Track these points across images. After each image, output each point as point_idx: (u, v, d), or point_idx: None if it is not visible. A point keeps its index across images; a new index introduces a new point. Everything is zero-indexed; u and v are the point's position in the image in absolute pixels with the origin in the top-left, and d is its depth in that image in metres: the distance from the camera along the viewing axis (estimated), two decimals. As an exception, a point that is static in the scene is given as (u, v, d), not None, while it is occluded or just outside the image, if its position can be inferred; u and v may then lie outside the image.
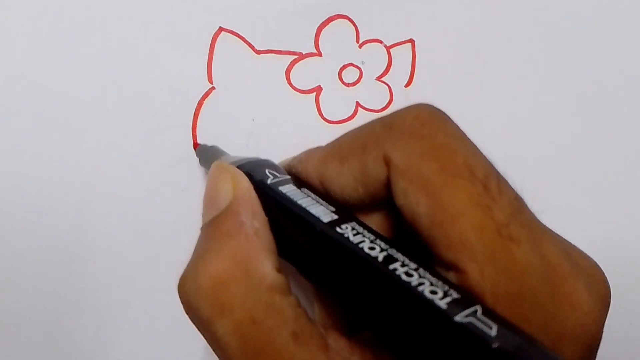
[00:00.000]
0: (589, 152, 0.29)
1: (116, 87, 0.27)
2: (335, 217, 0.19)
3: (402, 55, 0.28)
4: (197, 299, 0.18)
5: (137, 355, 0.27)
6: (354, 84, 0.28)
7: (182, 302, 0.19)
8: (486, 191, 0.17)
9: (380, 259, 0.17)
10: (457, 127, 0.19)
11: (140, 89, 0.27)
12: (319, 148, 0.22)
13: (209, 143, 0.27)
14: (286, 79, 0.28)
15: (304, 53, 0.28)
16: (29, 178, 0.26)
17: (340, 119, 0.28)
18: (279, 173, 0.21)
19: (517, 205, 0.17)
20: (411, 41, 0.28)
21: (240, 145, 0.27)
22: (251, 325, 0.17)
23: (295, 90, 0.28)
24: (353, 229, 0.18)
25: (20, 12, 0.26)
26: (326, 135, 0.28)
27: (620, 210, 0.29)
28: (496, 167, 0.18)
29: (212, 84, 0.27)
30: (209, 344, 0.19)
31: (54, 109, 0.26)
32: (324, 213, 0.19)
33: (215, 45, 0.27)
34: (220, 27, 0.27)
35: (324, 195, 0.20)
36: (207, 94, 0.27)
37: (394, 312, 0.16)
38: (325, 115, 0.28)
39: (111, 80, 0.27)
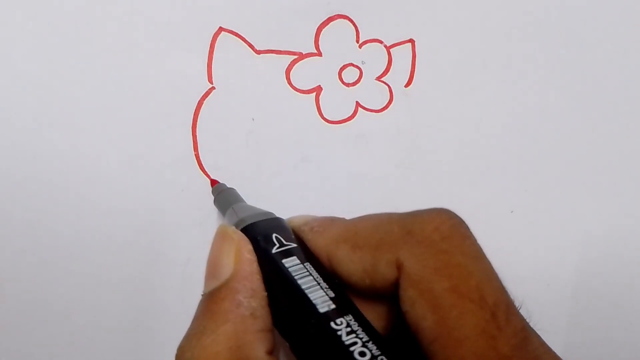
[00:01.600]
0: (589, 152, 0.29)
1: (116, 87, 0.27)
2: (333, 307, 0.18)
3: (402, 55, 0.28)
4: None
5: (137, 354, 0.27)
6: (354, 84, 0.28)
7: None
8: (494, 319, 0.17)
9: None
10: (476, 243, 0.19)
11: (140, 88, 0.27)
12: (334, 222, 0.21)
13: (211, 143, 0.27)
14: (286, 79, 0.28)
15: (304, 53, 0.28)
16: (29, 178, 0.26)
17: (340, 118, 0.28)
18: (286, 238, 0.21)
19: (523, 336, 0.17)
20: (411, 41, 0.28)
21: (240, 145, 0.27)
22: None
23: (295, 90, 0.28)
24: (348, 325, 0.18)
25: (21, 12, 0.26)
26: (326, 135, 0.28)
27: (620, 210, 0.29)
28: (508, 294, 0.18)
29: (212, 84, 0.27)
30: None
31: (54, 109, 0.26)
32: (322, 301, 0.19)
33: (215, 45, 0.27)
34: (220, 27, 0.27)
35: (329, 273, 0.20)
36: (207, 94, 0.27)
37: None
38: (325, 115, 0.28)
39: (111, 80, 0.27)
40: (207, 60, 0.27)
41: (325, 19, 0.28)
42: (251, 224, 0.21)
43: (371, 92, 0.28)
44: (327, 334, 0.18)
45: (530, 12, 0.29)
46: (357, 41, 0.28)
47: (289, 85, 0.28)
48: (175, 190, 0.27)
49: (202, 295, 0.20)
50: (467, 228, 0.19)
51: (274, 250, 0.20)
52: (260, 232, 0.21)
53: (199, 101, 0.27)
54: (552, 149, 0.29)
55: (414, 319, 0.17)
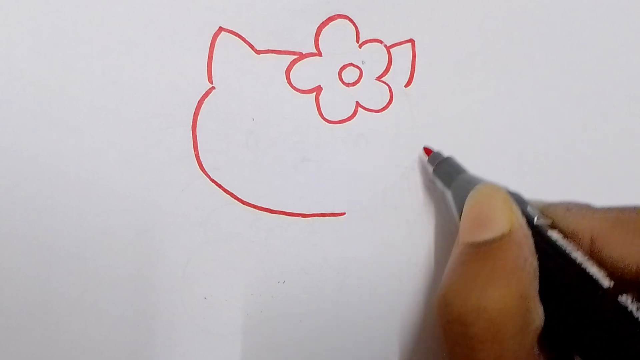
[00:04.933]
0: (589, 152, 0.29)
1: (116, 87, 0.27)
2: (613, 282, 0.18)
3: (402, 55, 0.28)
4: (476, 316, 0.18)
5: (137, 354, 0.27)
6: (354, 83, 0.28)
7: (452, 312, 0.19)
8: None
9: None
10: None
11: (140, 88, 0.27)
12: (590, 206, 0.22)
13: (211, 143, 0.27)
14: (286, 78, 0.28)
15: (304, 53, 0.28)
16: (29, 178, 0.26)
17: (340, 118, 0.28)
18: (539, 214, 0.21)
19: None
20: (411, 41, 0.28)
21: (240, 145, 0.27)
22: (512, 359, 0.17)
23: (295, 90, 0.28)
24: (633, 302, 0.18)
25: (20, 12, 0.26)
26: (326, 135, 0.28)
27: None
28: None
29: (212, 83, 0.27)
30: (454, 357, 0.19)
31: (54, 109, 0.26)
32: (601, 276, 0.18)
33: (215, 45, 0.27)
34: (220, 27, 0.27)
35: (588, 254, 0.20)
36: (207, 94, 0.27)
37: None
38: (325, 115, 0.28)
39: (111, 80, 0.27)
40: (207, 60, 0.27)
41: (325, 19, 0.28)
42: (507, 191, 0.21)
43: (371, 92, 0.28)
44: (617, 308, 0.17)
45: (530, 12, 0.29)
46: (357, 41, 0.28)
47: (289, 85, 0.28)
48: (175, 190, 0.27)
49: (466, 243, 0.20)
50: None
51: (535, 221, 0.20)
52: (517, 200, 0.21)
53: (199, 101, 0.27)
54: (552, 149, 0.29)
55: None
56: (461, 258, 0.20)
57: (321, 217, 0.28)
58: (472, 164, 0.29)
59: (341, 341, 0.28)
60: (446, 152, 0.29)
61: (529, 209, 0.21)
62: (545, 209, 0.22)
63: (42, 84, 0.26)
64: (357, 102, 0.28)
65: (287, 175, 0.28)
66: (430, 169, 0.26)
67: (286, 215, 0.28)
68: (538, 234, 0.20)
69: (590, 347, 0.18)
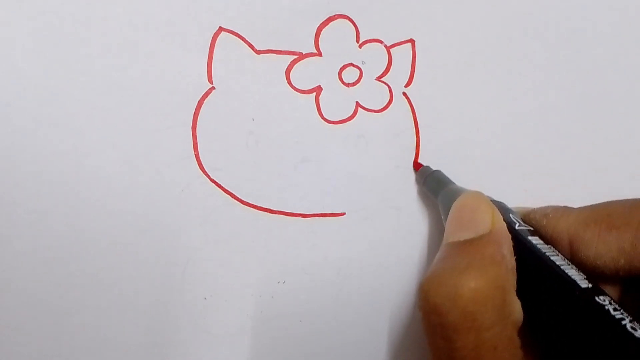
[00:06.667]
0: (589, 152, 0.29)
1: (116, 87, 0.27)
2: (591, 285, 0.19)
3: (402, 55, 0.28)
4: (451, 305, 0.18)
5: (137, 354, 0.27)
6: (354, 84, 0.28)
7: (428, 302, 0.19)
8: None
9: None
10: None
11: (140, 88, 0.27)
12: (569, 208, 0.22)
13: (211, 143, 0.27)
14: (286, 79, 0.28)
15: (304, 53, 0.28)
16: (29, 178, 0.26)
17: (340, 119, 0.28)
18: (521, 221, 0.22)
19: None
20: (411, 41, 0.28)
21: (240, 145, 0.27)
22: (491, 351, 0.18)
23: (295, 90, 0.28)
24: (611, 303, 0.18)
25: (20, 12, 0.26)
26: (326, 135, 0.28)
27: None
28: None
29: (212, 84, 0.27)
30: (433, 349, 0.19)
31: (54, 109, 0.26)
32: (579, 278, 0.19)
33: (215, 45, 0.27)
34: (220, 27, 0.27)
35: (569, 257, 0.20)
36: (207, 94, 0.27)
37: None
38: (325, 115, 0.28)
39: (111, 80, 0.27)
40: (207, 60, 0.27)
41: (325, 19, 0.28)
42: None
43: (371, 92, 0.28)
44: (594, 307, 0.18)
45: (530, 12, 0.29)
46: (357, 41, 0.28)
47: (289, 85, 0.28)
48: (175, 190, 0.27)
49: (449, 242, 0.20)
50: None
51: (517, 227, 0.21)
52: (499, 208, 0.22)
53: (199, 101, 0.27)
54: (552, 149, 0.29)
55: None
56: (442, 254, 0.20)
57: (321, 217, 0.28)
58: (472, 164, 0.29)
59: (341, 341, 0.28)
60: (446, 152, 0.29)
61: (511, 216, 0.22)
62: (526, 215, 0.23)
63: (42, 84, 0.26)
64: (357, 102, 0.28)
65: (287, 175, 0.28)
66: (421, 182, 0.27)
67: (286, 215, 0.28)
68: (519, 240, 0.20)
69: (570, 348, 0.19)
